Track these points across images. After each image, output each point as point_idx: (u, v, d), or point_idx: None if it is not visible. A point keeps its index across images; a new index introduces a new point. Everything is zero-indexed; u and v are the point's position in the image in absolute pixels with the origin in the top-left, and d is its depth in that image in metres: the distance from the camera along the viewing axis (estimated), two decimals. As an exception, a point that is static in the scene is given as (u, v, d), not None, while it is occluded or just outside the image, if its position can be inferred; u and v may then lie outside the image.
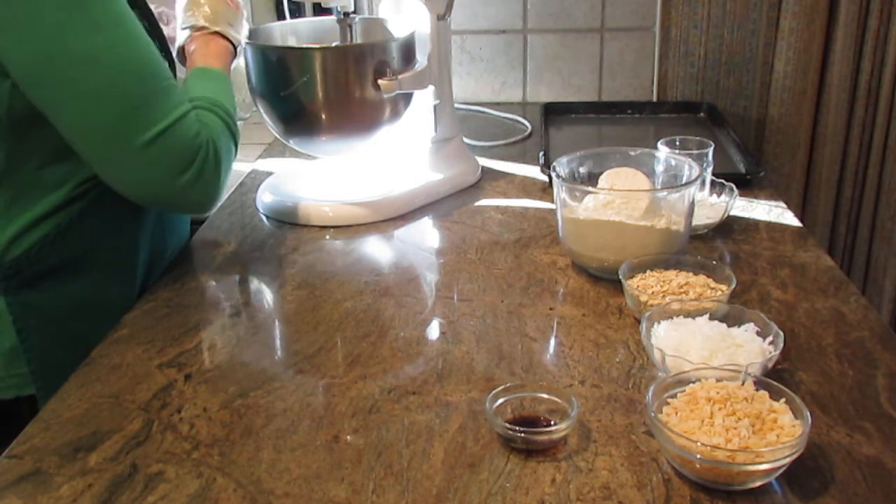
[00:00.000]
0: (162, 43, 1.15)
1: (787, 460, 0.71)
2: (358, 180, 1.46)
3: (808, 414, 0.73)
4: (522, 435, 0.78)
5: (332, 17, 1.37)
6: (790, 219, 1.31)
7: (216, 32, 1.17)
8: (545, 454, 0.78)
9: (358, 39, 1.40)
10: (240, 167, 1.68)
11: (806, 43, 1.79)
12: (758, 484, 0.73)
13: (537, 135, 1.74)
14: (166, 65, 1.03)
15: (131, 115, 0.96)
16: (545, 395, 0.84)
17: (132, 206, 1.05)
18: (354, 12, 1.35)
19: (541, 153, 1.53)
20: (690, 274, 1.04)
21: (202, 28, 1.16)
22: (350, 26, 1.36)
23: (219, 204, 1.04)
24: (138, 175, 0.99)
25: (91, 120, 0.95)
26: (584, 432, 0.81)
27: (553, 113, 1.84)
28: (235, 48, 1.20)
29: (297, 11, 1.65)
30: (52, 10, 0.91)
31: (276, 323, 1.06)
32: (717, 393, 0.77)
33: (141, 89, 0.96)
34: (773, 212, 1.33)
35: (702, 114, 1.83)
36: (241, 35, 1.23)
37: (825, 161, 1.87)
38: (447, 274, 1.17)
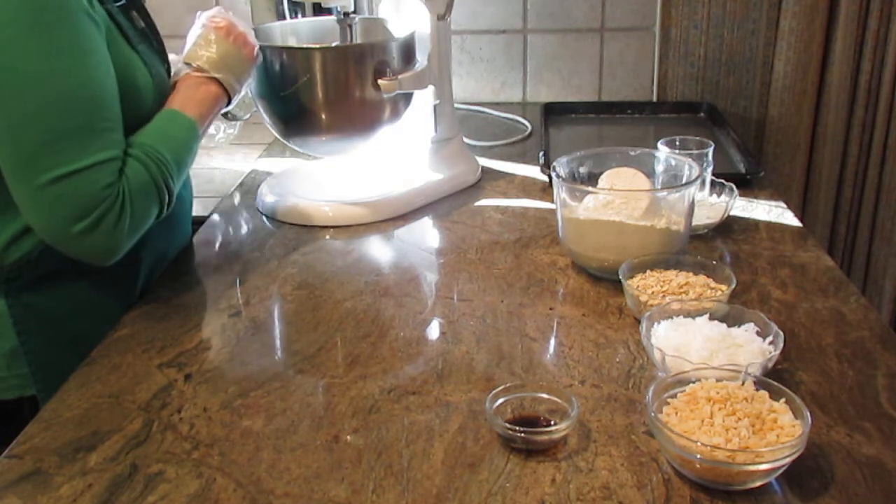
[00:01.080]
0: (161, 54, 1.13)
1: (787, 460, 0.71)
2: (358, 180, 1.46)
3: (808, 414, 0.73)
4: (522, 435, 0.78)
5: (332, 17, 1.37)
6: (790, 219, 1.31)
7: (214, 77, 1.10)
8: (545, 454, 0.78)
9: (358, 39, 1.40)
10: (240, 167, 1.69)
11: (806, 43, 1.79)
12: (758, 484, 0.73)
13: (537, 135, 1.74)
14: (115, 105, 0.97)
15: (44, 149, 0.91)
16: (545, 395, 0.84)
17: None
18: (354, 12, 1.35)
19: (541, 153, 1.53)
20: (690, 274, 1.04)
21: (201, 70, 1.10)
22: (350, 26, 1.36)
23: (119, 256, 0.99)
24: (34, 213, 0.94)
25: (7, 143, 0.92)
26: (584, 432, 0.81)
27: (553, 113, 1.84)
28: (230, 97, 1.13)
29: (297, 11, 1.65)
30: (3, 24, 0.89)
31: (276, 323, 1.06)
32: (717, 393, 0.77)
33: (67, 124, 0.92)
34: (773, 212, 1.33)
35: (702, 114, 1.83)
36: (244, 84, 1.16)
37: (825, 161, 1.87)
38: (447, 274, 1.17)
